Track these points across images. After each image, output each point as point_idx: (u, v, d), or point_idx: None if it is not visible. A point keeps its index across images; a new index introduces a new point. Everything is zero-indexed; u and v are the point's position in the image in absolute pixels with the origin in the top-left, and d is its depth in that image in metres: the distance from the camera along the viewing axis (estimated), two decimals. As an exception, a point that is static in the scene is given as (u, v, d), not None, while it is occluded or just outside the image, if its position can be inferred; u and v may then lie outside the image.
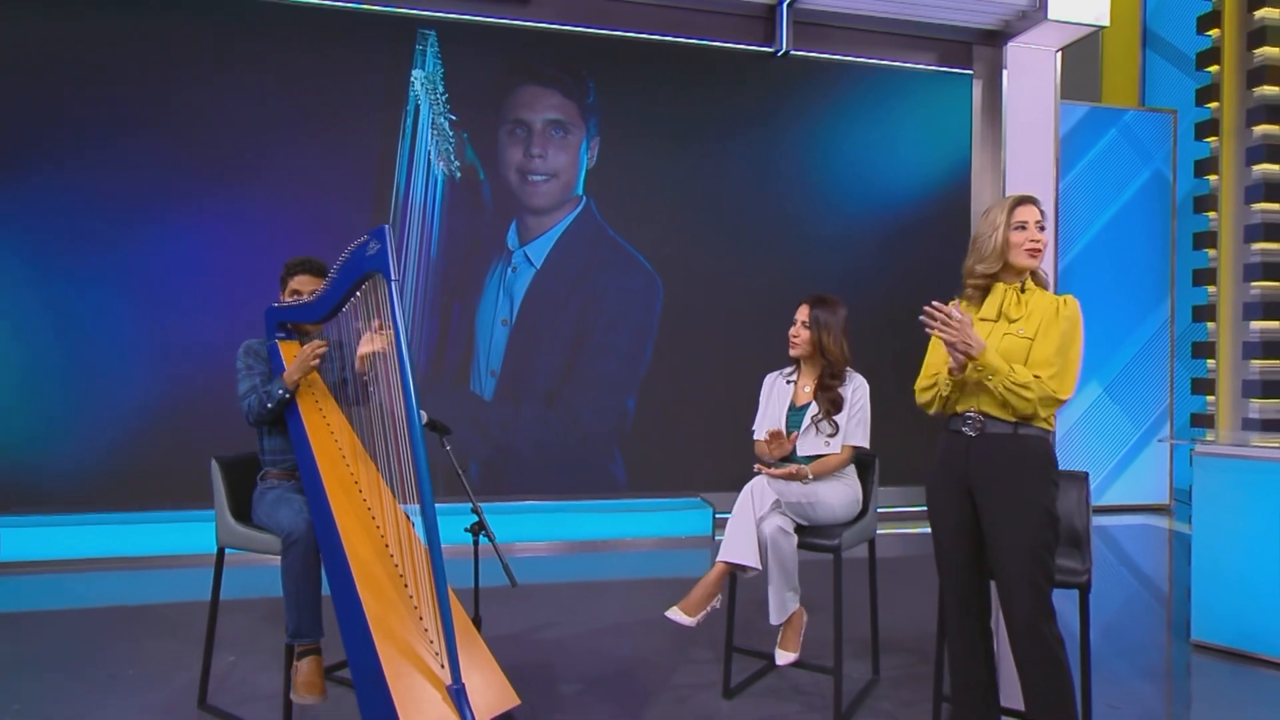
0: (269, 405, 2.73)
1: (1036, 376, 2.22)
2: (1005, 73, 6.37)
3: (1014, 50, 6.36)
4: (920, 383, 2.46)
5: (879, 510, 4.12)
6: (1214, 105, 6.52)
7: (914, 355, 2.58)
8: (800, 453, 3.03)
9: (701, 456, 5.83)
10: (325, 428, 2.75)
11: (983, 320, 2.37)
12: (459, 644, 2.35)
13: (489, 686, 2.38)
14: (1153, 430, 6.77)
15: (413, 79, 5.55)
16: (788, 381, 3.18)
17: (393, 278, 2.38)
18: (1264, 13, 6.04)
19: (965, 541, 2.33)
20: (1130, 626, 4.06)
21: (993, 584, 2.35)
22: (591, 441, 5.81)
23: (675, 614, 2.77)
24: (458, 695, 2.27)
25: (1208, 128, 6.66)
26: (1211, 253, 6.61)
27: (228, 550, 2.93)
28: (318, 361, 2.73)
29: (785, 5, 5.92)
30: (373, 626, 2.30)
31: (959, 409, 2.34)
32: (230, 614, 3.84)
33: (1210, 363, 6.55)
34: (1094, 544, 5.76)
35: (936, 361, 2.40)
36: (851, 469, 3.08)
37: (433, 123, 5.57)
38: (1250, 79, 6.14)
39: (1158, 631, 3.97)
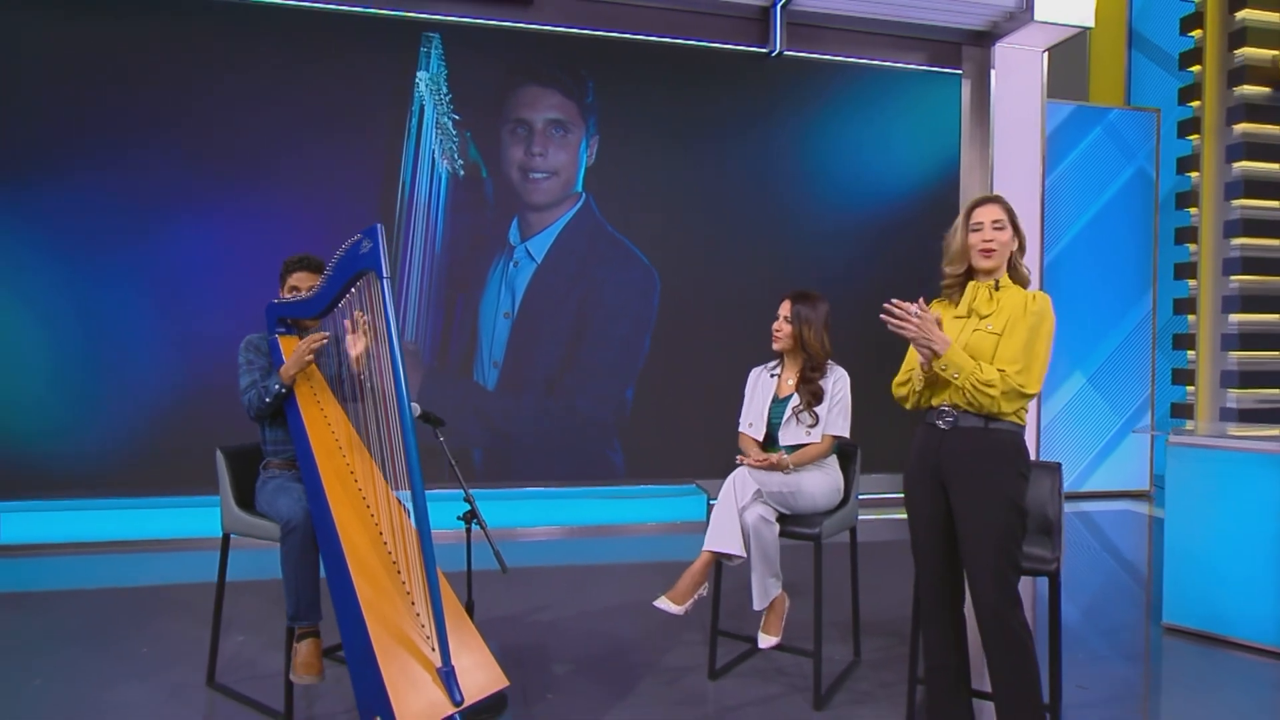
0: (267, 400, 2.73)
1: (1002, 371, 2.20)
2: (993, 72, 6.33)
3: (1002, 51, 6.31)
4: (897, 378, 2.45)
5: (867, 497, 4.11)
6: (1196, 104, 6.45)
7: (902, 347, 2.55)
8: (782, 443, 3.03)
9: (697, 445, 5.82)
10: (323, 420, 2.75)
11: (956, 318, 2.35)
12: (449, 628, 2.35)
13: (478, 668, 2.39)
14: (1134, 419, 6.74)
15: (418, 80, 5.53)
16: (771, 375, 3.17)
17: (384, 275, 2.38)
18: (1245, 14, 5.97)
19: (938, 531, 2.32)
20: (1104, 609, 4.05)
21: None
22: (591, 430, 5.81)
23: (664, 603, 2.77)
24: (447, 677, 2.27)
25: (1190, 126, 6.60)
26: (1193, 247, 6.56)
27: (233, 536, 2.95)
28: (312, 357, 2.72)
29: (779, 7, 5.88)
30: (365, 611, 2.31)
31: (934, 403, 2.32)
32: (241, 595, 3.88)
33: (1190, 354, 6.50)
34: (1076, 528, 5.76)
35: (914, 358, 2.39)
36: (833, 459, 3.07)
37: (437, 122, 5.56)
38: (1231, 78, 6.08)
39: (1130, 614, 3.96)
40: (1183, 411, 6.60)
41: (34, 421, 5.04)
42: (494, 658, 2.44)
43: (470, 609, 2.71)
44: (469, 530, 2.72)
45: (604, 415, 5.83)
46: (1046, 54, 6.35)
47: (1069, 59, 7.41)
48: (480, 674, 2.38)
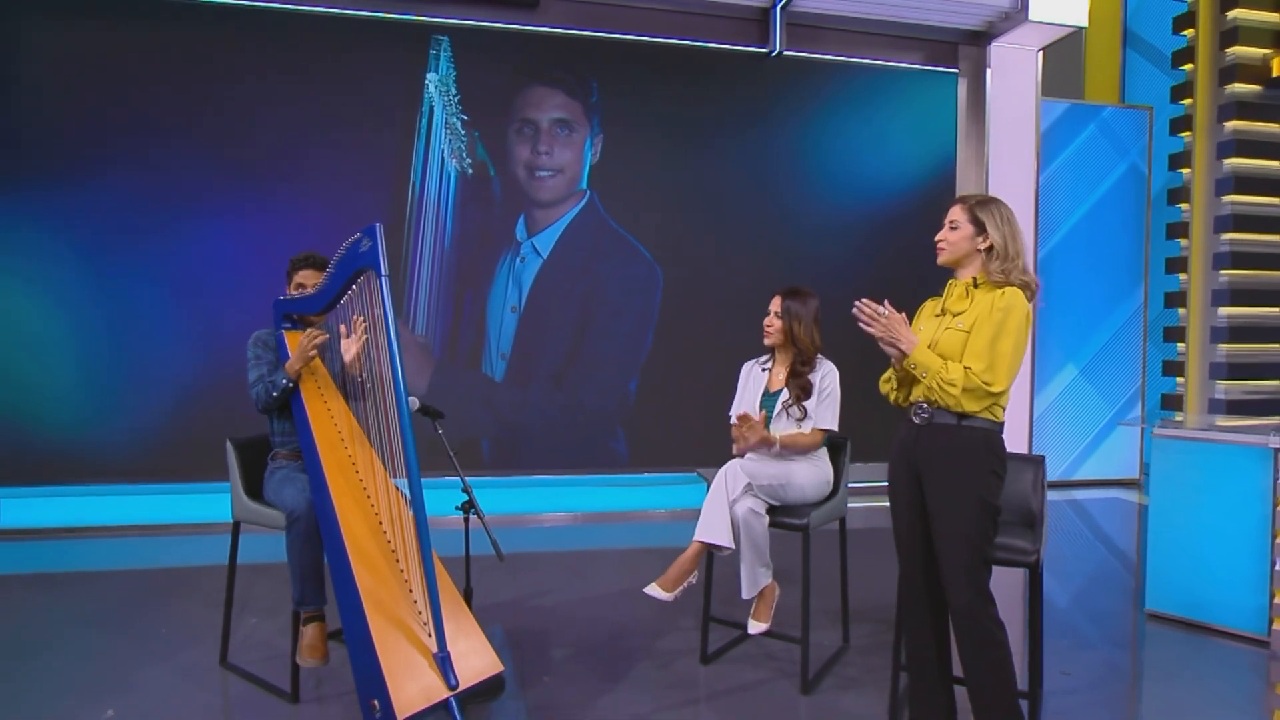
0: (274, 394, 2.73)
1: (968, 369, 2.16)
2: (989, 71, 6.25)
3: (997, 50, 6.23)
4: (884, 375, 2.42)
5: (860, 485, 4.07)
6: (1188, 102, 6.35)
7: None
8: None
9: (698, 435, 5.78)
10: (326, 413, 2.74)
11: (935, 315, 2.32)
12: (446, 615, 2.35)
13: (474, 653, 2.38)
14: (1125, 409, 6.68)
15: (427, 82, 5.51)
16: (763, 369, 3.15)
17: (383, 273, 2.37)
18: (1236, 13, 5.86)
19: (917, 525, 2.29)
20: (1090, 596, 4.01)
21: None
22: (595, 420, 5.80)
23: (654, 590, 2.76)
24: (443, 662, 2.27)
25: (1182, 123, 6.51)
26: (1184, 242, 6.48)
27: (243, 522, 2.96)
28: (315, 351, 2.72)
29: (779, 8, 5.81)
30: (364, 598, 2.31)
31: (913, 399, 2.29)
32: (256, 577, 3.91)
33: (1180, 346, 6.43)
34: (1067, 516, 5.71)
35: None
36: (823, 451, 3.04)
37: (446, 123, 5.54)
38: (1222, 77, 5.98)
39: (1114, 600, 3.91)
40: (1173, 403, 6.53)
41: (62, 411, 5.08)
42: (489, 643, 2.44)
43: (469, 595, 2.71)
44: (467, 520, 2.71)
45: (608, 406, 5.81)
46: (1041, 53, 6.27)
47: (1065, 58, 7.31)
48: (476, 659, 2.37)
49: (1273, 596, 3.19)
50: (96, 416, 5.12)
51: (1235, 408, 5.99)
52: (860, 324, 2.19)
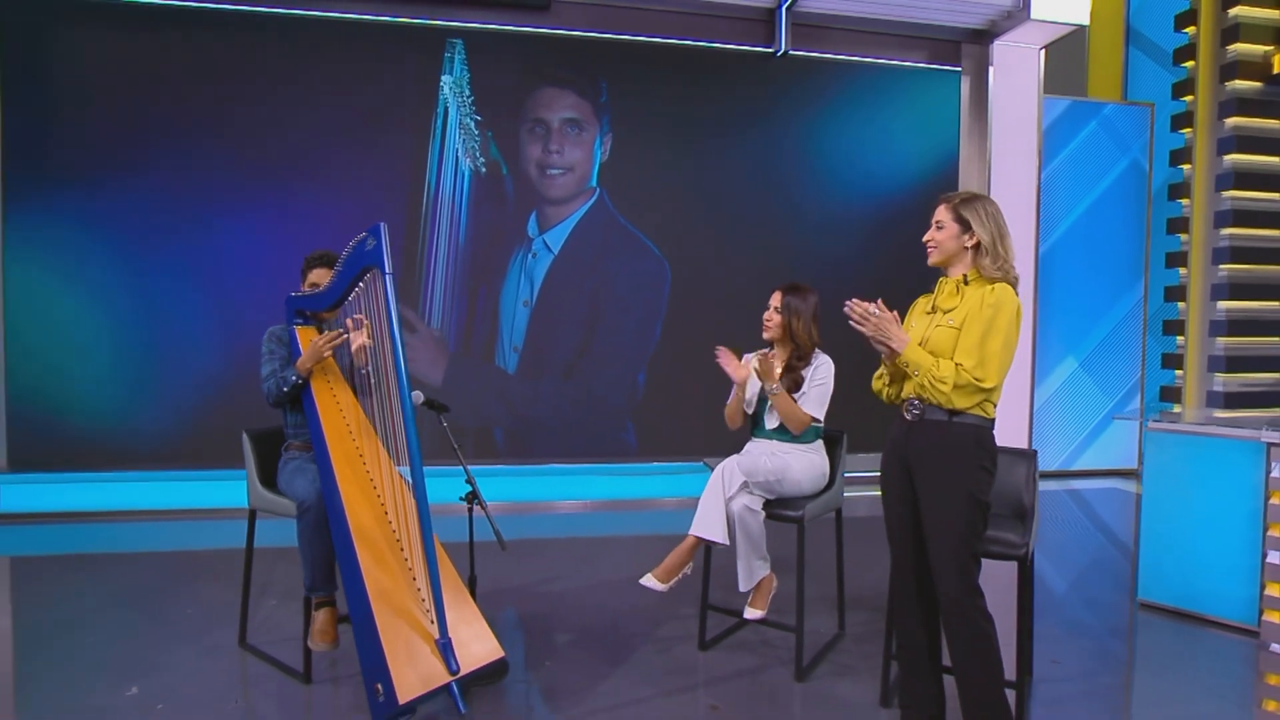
0: (284, 389, 2.74)
1: (959, 365, 2.11)
2: (992, 69, 6.14)
3: (1000, 48, 6.13)
4: (876, 373, 2.37)
5: (864, 475, 4.03)
6: (1189, 98, 6.21)
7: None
8: (767, 426, 2.98)
9: (704, 425, 5.70)
10: (335, 407, 2.74)
11: (926, 313, 2.27)
12: (449, 602, 2.35)
13: (475, 640, 2.38)
14: (1124, 401, 6.58)
15: (442, 84, 5.49)
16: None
17: (387, 271, 2.36)
18: (1237, 10, 5.71)
19: (908, 518, 2.25)
20: (1083, 585, 3.96)
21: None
22: (605, 411, 5.78)
23: (649, 581, 2.74)
24: (444, 648, 2.27)
25: (1183, 120, 6.36)
26: (1184, 237, 6.35)
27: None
28: (329, 351, 2.72)
29: (784, 8, 5.74)
30: (368, 586, 2.31)
31: (904, 396, 2.25)
32: (278, 561, 3.93)
33: (1180, 339, 6.31)
34: (1066, 505, 5.64)
35: None
36: (820, 444, 3.00)
37: (460, 123, 5.52)
38: (1223, 73, 5.83)
39: (1107, 590, 3.85)
40: (1171, 395, 6.42)
41: (97, 401, 5.14)
42: (491, 630, 2.43)
43: (473, 583, 2.70)
44: (471, 511, 2.71)
45: (617, 397, 5.79)
46: (1043, 51, 6.16)
47: (1068, 56, 7.17)
48: (477, 645, 2.37)
49: (1263, 588, 3.12)
50: (128, 406, 5.17)
51: (1233, 400, 5.87)
52: (852, 323, 2.15)
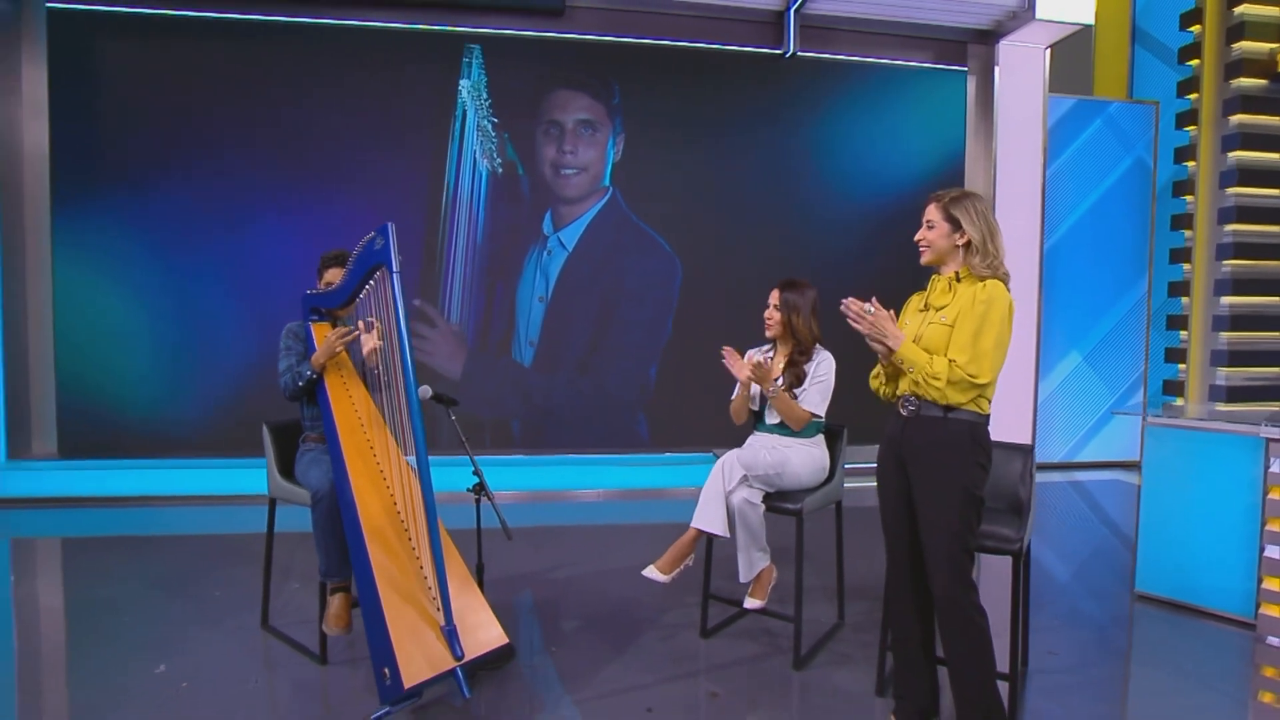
0: (299, 383, 2.73)
1: (952, 362, 2.05)
2: (997, 69, 6.02)
3: (1005, 48, 5.99)
4: (873, 371, 2.31)
5: (862, 466, 3.97)
6: (1194, 96, 6.03)
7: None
8: (769, 421, 2.93)
9: (714, 417, 5.61)
10: (348, 400, 2.73)
11: (919, 310, 2.21)
12: (455, 591, 2.33)
13: (480, 627, 2.36)
14: (1128, 395, 6.44)
15: (460, 88, 5.46)
16: (764, 357, 3.05)
17: (394, 269, 2.33)
18: (1243, 9, 5.53)
19: (902, 512, 2.19)
20: (1081, 576, 3.86)
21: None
22: (618, 403, 5.75)
23: (651, 572, 2.71)
24: (450, 635, 2.25)
25: (1188, 117, 6.19)
26: (1188, 233, 6.18)
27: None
28: (342, 347, 2.70)
29: (792, 10, 5.65)
30: (376, 573, 2.29)
31: (900, 393, 2.19)
32: (301, 546, 3.93)
33: (1183, 334, 6.15)
34: (1068, 496, 5.53)
35: None
36: (820, 438, 2.95)
37: (478, 126, 5.49)
38: (1228, 71, 5.65)
39: (1106, 581, 3.75)
40: (1174, 388, 6.27)
41: (138, 393, 5.23)
42: (496, 617, 2.41)
43: (480, 571, 2.68)
44: (478, 502, 2.68)
45: (630, 390, 5.76)
46: (1048, 50, 6.01)
47: (1075, 55, 6.99)
48: (482, 632, 2.35)
49: (1261, 581, 3.02)
50: (167, 398, 5.26)
51: (1235, 394, 5.72)
52: (849, 321, 2.09)
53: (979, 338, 2.03)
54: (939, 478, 2.08)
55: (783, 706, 2.50)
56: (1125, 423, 6.42)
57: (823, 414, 2.86)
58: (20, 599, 3.46)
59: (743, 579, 2.79)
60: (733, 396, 3.01)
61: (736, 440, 2.93)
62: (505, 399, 5.57)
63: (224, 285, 5.26)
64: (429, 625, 2.26)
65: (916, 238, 2.18)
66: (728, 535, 2.70)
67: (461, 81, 5.46)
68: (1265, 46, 5.58)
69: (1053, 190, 6.24)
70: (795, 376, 2.85)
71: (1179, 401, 6.04)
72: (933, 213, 2.14)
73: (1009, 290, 2.10)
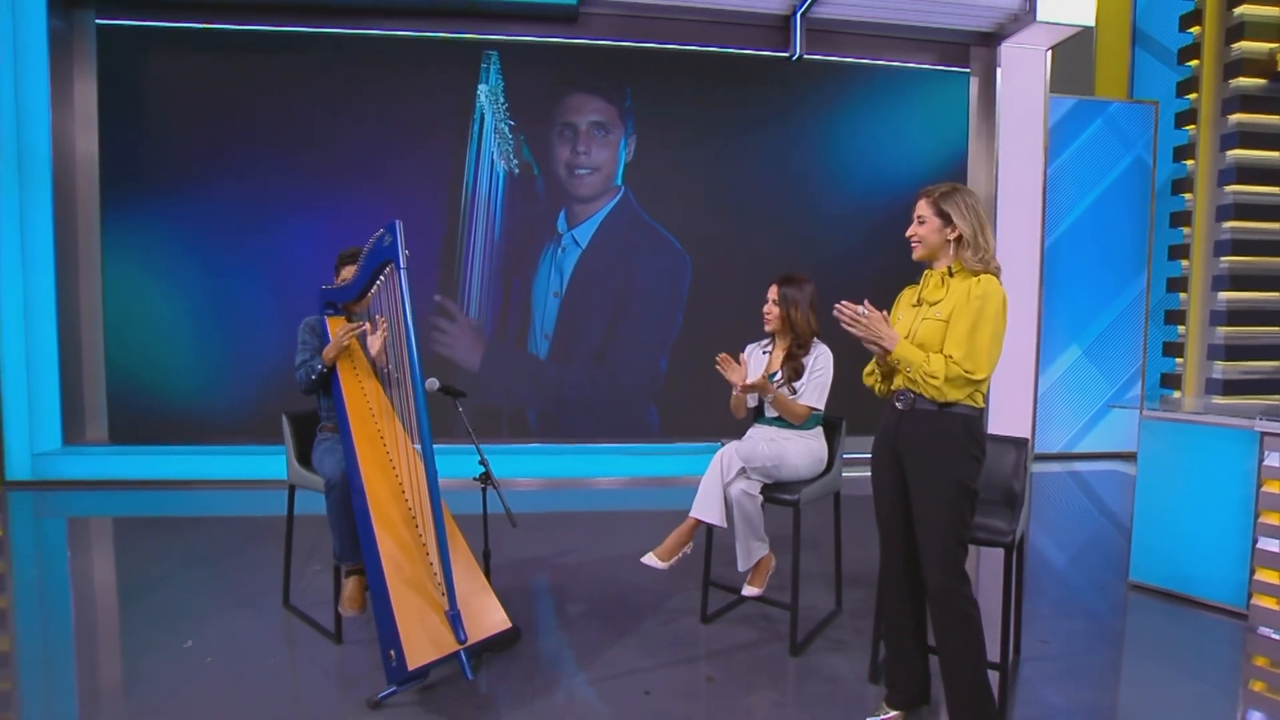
0: (313, 377, 2.71)
1: (949, 358, 1.97)
2: (999, 70, 5.86)
3: (1007, 50, 5.84)
4: (866, 368, 2.23)
5: (857, 457, 3.90)
6: (1193, 96, 5.84)
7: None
8: (768, 415, 2.86)
9: (722, 408, 5.55)
10: (360, 392, 2.70)
11: (912, 306, 2.12)
12: (460, 576, 2.29)
13: (484, 612, 2.33)
14: (1126, 388, 6.28)
15: (479, 93, 5.42)
16: (764, 352, 3.00)
17: (401, 266, 2.29)
18: (1243, 9, 5.33)
19: (896, 504, 2.12)
20: (1076, 565, 3.75)
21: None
22: (630, 395, 5.69)
23: (650, 559, 2.66)
24: (454, 619, 2.21)
25: (1187, 117, 5.99)
26: (1186, 230, 6.00)
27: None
28: (350, 340, 2.68)
29: (799, 14, 5.54)
30: (384, 559, 2.27)
31: (896, 386, 2.11)
32: (324, 528, 3.91)
33: (1181, 329, 5.97)
34: (1067, 486, 5.40)
35: None
36: (819, 430, 2.88)
37: (495, 128, 5.45)
38: (1228, 71, 5.46)
39: (1100, 571, 3.64)
40: (1172, 382, 6.10)
41: (179, 382, 5.31)
42: (501, 602, 2.37)
43: (487, 557, 2.64)
44: (485, 491, 2.64)
45: (641, 382, 5.71)
46: (1050, 52, 5.85)
47: (1076, 56, 6.81)
48: (486, 617, 2.32)
49: (1253, 573, 2.92)
50: (207, 388, 5.32)
51: (1231, 387, 5.55)
52: (843, 325, 2.01)
53: (975, 333, 1.95)
54: (933, 471, 2.00)
55: (778, 691, 2.44)
56: (1124, 414, 6.27)
57: (821, 407, 2.79)
58: (75, 575, 3.58)
59: (741, 568, 2.73)
60: (733, 394, 2.95)
61: (742, 431, 2.88)
62: (521, 390, 5.54)
63: (257, 282, 5.30)
64: (434, 609, 2.23)
65: (908, 233, 2.09)
66: (724, 525, 2.64)
67: (480, 86, 5.41)
68: (1265, 46, 5.38)
69: (1054, 188, 6.09)
70: (794, 370, 2.78)
71: (1176, 394, 5.88)
72: (923, 208, 2.06)
73: (1001, 284, 2.01)
